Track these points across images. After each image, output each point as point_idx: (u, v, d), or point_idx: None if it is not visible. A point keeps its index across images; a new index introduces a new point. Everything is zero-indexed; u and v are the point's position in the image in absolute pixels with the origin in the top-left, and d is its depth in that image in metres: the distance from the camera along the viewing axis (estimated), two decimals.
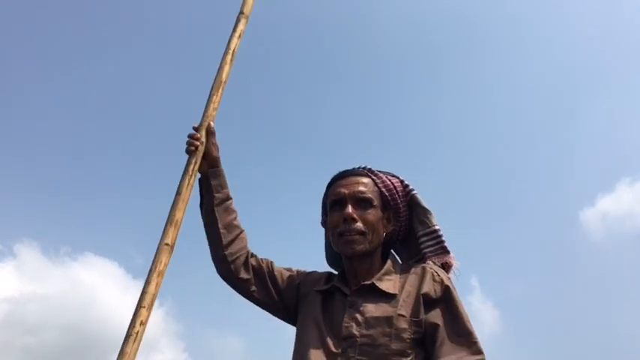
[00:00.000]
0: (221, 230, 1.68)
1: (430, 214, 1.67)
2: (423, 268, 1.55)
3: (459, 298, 1.52)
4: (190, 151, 1.68)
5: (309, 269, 1.78)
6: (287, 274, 1.73)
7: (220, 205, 1.70)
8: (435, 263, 1.62)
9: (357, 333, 1.44)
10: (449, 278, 1.56)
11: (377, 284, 1.52)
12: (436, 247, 1.65)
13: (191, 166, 1.66)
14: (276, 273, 1.71)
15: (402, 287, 1.52)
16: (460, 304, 1.50)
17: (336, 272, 1.74)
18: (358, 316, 1.47)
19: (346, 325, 1.47)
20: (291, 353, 1.56)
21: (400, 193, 1.67)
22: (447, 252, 1.65)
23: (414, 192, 1.69)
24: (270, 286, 1.69)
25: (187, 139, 1.71)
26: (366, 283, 1.53)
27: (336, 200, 1.61)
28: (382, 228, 1.62)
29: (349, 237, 1.55)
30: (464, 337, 1.43)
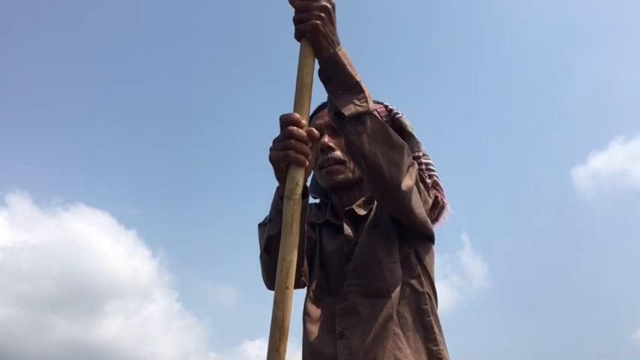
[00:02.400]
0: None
1: (414, 138, 1.54)
2: None
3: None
4: (300, 162, 1.15)
5: None
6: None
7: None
8: None
9: (350, 266, 1.40)
10: None
11: (355, 210, 1.47)
12: None
13: (295, 199, 1.12)
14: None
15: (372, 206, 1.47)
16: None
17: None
18: (349, 246, 1.43)
19: (342, 261, 1.43)
20: None
21: (384, 119, 1.54)
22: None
23: (398, 115, 1.56)
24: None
25: (287, 140, 1.14)
26: (347, 209, 1.49)
27: None
28: None
29: (329, 167, 1.48)
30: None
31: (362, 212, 1.47)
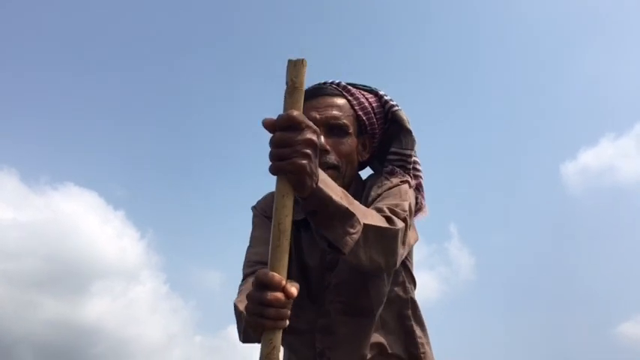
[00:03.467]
0: None
1: (411, 136, 1.47)
2: (377, 177, 1.42)
3: (403, 189, 1.35)
4: (279, 328, 0.97)
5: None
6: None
7: None
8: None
9: (333, 280, 1.36)
10: (402, 180, 1.39)
11: None
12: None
13: None
14: None
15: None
16: (398, 191, 1.33)
17: None
18: (331, 254, 1.35)
19: (323, 268, 1.38)
20: None
21: (378, 115, 1.46)
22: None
23: (395, 108, 1.47)
24: None
25: (265, 308, 0.95)
26: None
27: None
28: (357, 157, 1.43)
29: None
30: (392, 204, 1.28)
31: None
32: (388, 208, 1.23)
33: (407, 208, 1.29)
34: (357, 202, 1.12)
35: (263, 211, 1.49)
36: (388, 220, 1.19)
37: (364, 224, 1.10)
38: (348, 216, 1.07)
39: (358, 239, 1.09)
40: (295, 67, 1.00)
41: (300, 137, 0.93)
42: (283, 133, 0.94)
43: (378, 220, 1.15)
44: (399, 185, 1.37)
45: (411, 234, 1.34)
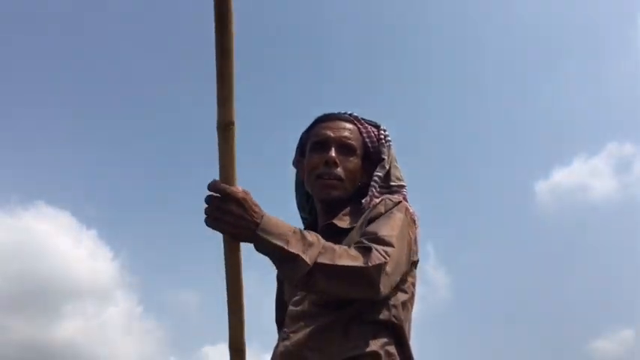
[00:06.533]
0: None
1: (383, 169, 1.56)
2: (378, 200, 1.48)
3: (398, 214, 1.41)
4: None
5: None
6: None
7: None
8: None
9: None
10: (400, 203, 1.45)
11: (337, 223, 1.47)
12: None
13: None
14: None
15: (357, 220, 1.46)
16: (392, 217, 1.39)
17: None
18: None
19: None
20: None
21: (383, 147, 1.58)
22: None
23: (391, 143, 1.60)
24: None
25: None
26: (326, 224, 1.49)
27: (320, 141, 1.54)
28: (359, 178, 1.55)
29: (328, 181, 1.49)
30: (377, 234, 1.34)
31: (344, 225, 1.47)
32: (369, 238, 1.31)
33: (392, 237, 1.33)
34: (320, 242, 1.22)
35: None
36: (365, 250, 1.26)
37: (316, 264, 1.19)
38: (290, 258, 1.17)
39: (315, 279, 1.19)
40: None
41: (226, 206, 1.13)
42: (213, 200, 1.14)
43: (347, 258, 1.22)
44: (391, 210, 1.42)
45: (402, 258, 1.36)
